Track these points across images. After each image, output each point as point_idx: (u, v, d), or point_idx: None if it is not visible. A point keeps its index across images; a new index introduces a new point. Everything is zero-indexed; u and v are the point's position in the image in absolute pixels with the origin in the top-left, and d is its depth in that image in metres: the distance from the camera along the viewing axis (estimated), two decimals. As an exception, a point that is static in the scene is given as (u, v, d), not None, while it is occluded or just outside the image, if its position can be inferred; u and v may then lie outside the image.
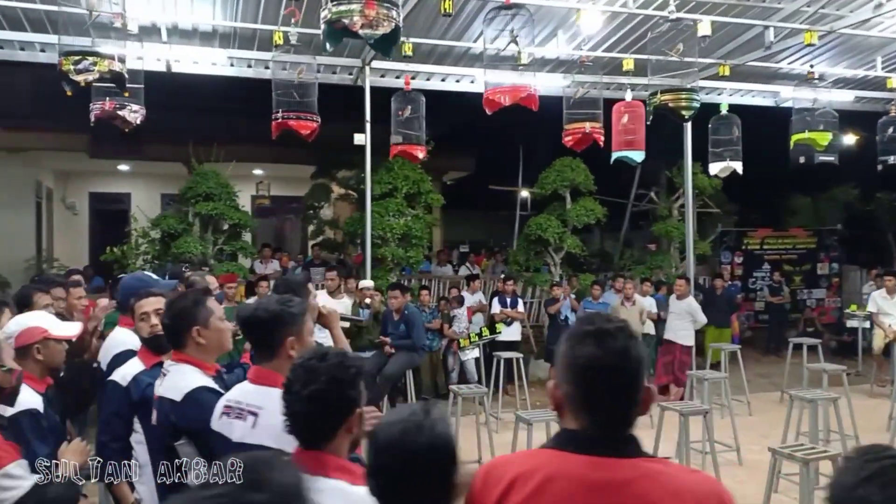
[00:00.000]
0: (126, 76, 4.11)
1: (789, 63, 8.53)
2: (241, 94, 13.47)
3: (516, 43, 4.98)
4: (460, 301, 9.93)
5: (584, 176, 10.81)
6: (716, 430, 7.00)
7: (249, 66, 8.46)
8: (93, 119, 4.80)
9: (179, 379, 2.48)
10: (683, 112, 5.35)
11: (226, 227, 9.35)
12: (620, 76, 7.61)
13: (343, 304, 7.14)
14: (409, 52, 7.01)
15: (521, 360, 7.72)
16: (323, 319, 3.45)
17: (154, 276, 3.77)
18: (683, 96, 5.33)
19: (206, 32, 7.32)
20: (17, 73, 12.47)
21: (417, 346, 6.99)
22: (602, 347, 1.40)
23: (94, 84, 4.98)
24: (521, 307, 9.52)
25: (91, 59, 3.83)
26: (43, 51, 7.16)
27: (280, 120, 5.54)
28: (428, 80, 8.84)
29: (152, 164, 15.35)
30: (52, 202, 15.82)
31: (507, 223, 16.79)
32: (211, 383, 2.48)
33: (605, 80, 7.69)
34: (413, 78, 8.54)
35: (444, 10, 5.80)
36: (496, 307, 9.54)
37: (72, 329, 2.84)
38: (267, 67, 8.25)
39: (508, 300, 9.48)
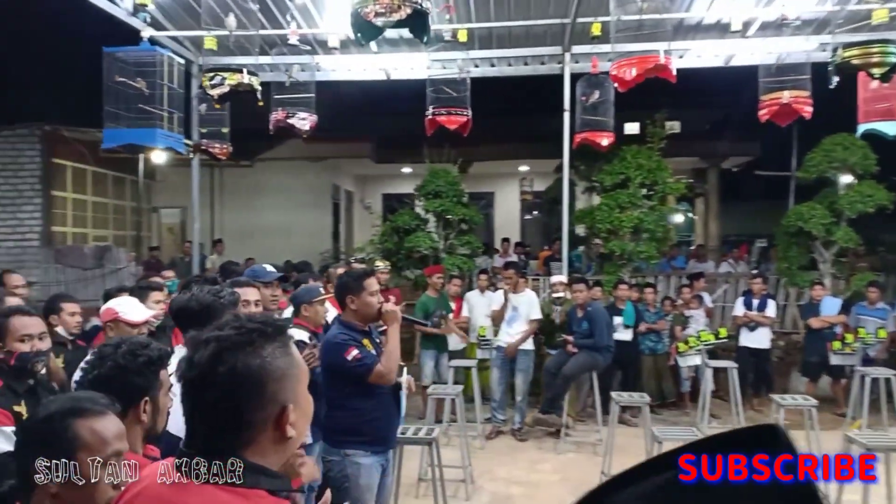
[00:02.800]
0: (258, 87, 4.64)
1: None
2: (501, 93, 13.99)
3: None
4: (699, 300, 9.02)
5: (860, 155, 8.95)
6: None
7: (476, 66, 8.70)
8: (271, 128, 5.48)
9: None
10: (874, 70, 4.11)
11: (453, 222, 9.78)
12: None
13: (527, 299, 7.02)
14: (598, 33, 6.59)
15: (736, 372, 6.72)
16: (383, 317, 3.51)
17: (269, 269, 4.17)
18: (875, 50, 4.10)
19: (410, 38, 7.75)
20: (319, 91, 14.55)
21: (599, 346, 6.54)
22: (191, 356, 1.25)
23: (276, 97, 5.68)
24: (770, 310, 8.25)
25: (224, 74, 4.42)
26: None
27: (431, 117, 5.68)
28: None
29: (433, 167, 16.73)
30: (352, 203, 18.23)
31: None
32: None
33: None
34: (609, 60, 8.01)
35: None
36: (739, 308, 8.45)
37: (138, 315, 3.28)
38: (476, 66, 8.49)
39: (755, 301, 8.31)
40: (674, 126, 16.30)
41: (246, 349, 1.25)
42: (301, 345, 4.02)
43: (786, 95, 5.45)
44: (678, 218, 21.42)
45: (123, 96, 5.47)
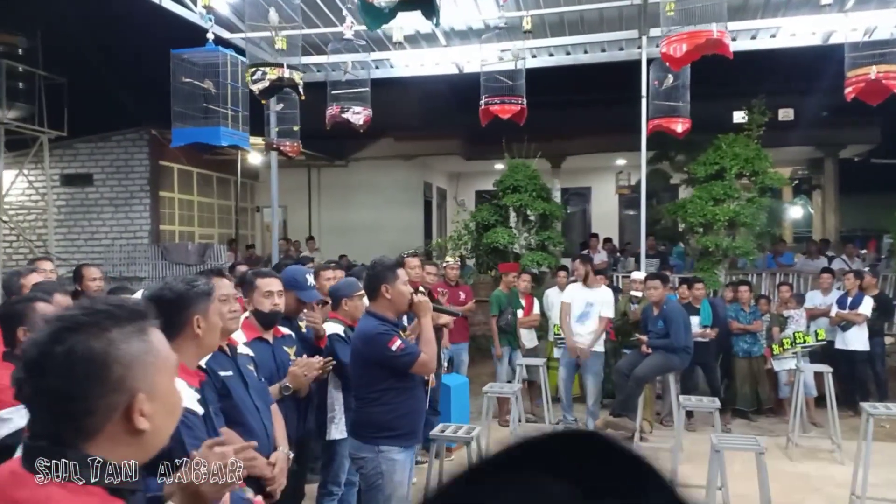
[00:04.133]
0: (299, 81, 4.64)
1: None
2: (591, 83, 13.53)
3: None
4: (799, 300, 8.31)
5: None
6: None
7: (551, 55, 8.44)
8: (327, 123, 5.51)
9: None
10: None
11: (533, 217, 9.55)
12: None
13: (601, 295, 6.68)
14: (671, 13, 6.15)
15: (831, 376, 6.10)
16: (414, 308, 3.41)
17: (311, 282, 4.07)
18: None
19: (479, 29, 7.60)
20: (409, 89, 14.63)
21: (676, 347, 6.10)
22: (33, 336, 1.18)
23: (333, 92, 5.71)
24: (864, 307, 7.48)
25: (264, 68, 4.45)
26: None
27: (484, 107, 5.50)
28: (734, 39, 7.58)
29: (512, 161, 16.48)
30: (445, 200, 18.27)
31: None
32: None
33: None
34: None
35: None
36: (834, 307, 7.72)
37: None
38: (551, 55, 8.20)
39: (849, 299, 7.56)
40: (788, 113, 15.17)
41: (90, 330, 1.17)
42: (336, 338, 3.99)
43: (873, 71, 4.84)
44: (797, 212, 19.94)
45: (189, 96, 5.66)
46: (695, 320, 7.43)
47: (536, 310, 7.84)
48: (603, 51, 7.86)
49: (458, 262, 7.71)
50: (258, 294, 3.46)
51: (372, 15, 3.04)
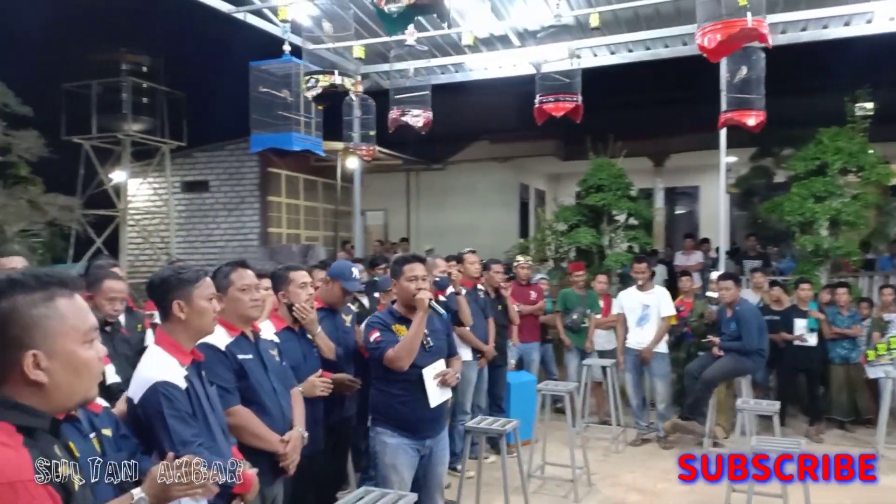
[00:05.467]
0: (351, 87, 4.87)
1: None
2: (693, 78, 13.04)
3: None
4: (902, 304, 7.68)
5: None
6: None
7: (630, 51, 8.30)
8: (390, 126, 5.74)
9: None
10: None
11: (620, 217, 9.40)
12: None
13: (656, 296, 6.52)
14: (744, 3, 5.91)
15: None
16: (414, 303, 3.53)
17: (356, 274, 4.29)
18: None
19: (553, 28, 7.58)
20: (505, 92, 14.70)
21: (748, 350, 5.83)
22: None
23: (395, 97, 5.96)
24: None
25: (317, 76, 4.71)
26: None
27: (539, 105, 5.50)
28: (804, 30, 7.19)
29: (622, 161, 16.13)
30: (543, 202, 18.18)
31: None
32: None
33: None
34: (783, 32, 7.13)
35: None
36: (940, 312, 7.09)
37: None
38: (630, 50, 8.05)
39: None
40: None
41: None
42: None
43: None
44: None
45: (267, 105, 6.08)
46: (801, 323, 7.10)
47: (616, 310, 7.73)
48: (685, 44, 7.62)
49: (529, 262, 7.73)
50: (294, 286, 3.74)
51: (387, 20, 3.20)
